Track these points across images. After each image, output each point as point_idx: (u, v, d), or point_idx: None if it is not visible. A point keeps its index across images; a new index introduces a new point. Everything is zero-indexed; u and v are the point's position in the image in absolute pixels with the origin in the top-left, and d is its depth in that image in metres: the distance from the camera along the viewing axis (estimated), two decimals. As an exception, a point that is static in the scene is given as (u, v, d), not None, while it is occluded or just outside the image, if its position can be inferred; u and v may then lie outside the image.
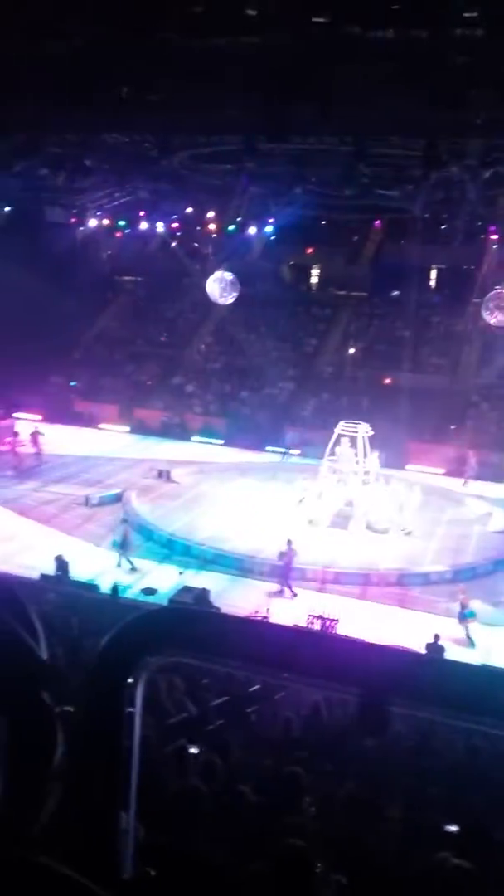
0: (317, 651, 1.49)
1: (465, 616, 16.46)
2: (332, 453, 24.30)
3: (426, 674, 1.59)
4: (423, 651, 14.10)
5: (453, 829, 6.02)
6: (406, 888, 4.79)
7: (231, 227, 33.31)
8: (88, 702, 1.37)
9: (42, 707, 1.18)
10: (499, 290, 27.22)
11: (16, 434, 28.26)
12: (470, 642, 16.06)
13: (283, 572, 18.29)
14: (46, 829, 1.18)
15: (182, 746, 6.04)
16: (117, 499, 24.30)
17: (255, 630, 1.74)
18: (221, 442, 32.87)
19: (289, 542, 18.61)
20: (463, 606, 16.57)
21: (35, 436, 28.50)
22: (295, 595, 18.03)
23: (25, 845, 1.11)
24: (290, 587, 18.18)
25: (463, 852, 5.10)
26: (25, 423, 30.82)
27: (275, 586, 18.55)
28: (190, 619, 1.62)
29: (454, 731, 10.02)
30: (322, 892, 3.89)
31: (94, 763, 1.36)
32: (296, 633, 1.92)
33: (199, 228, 36.00)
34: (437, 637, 14.85)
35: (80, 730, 1.33)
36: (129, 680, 1.41)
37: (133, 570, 18.82)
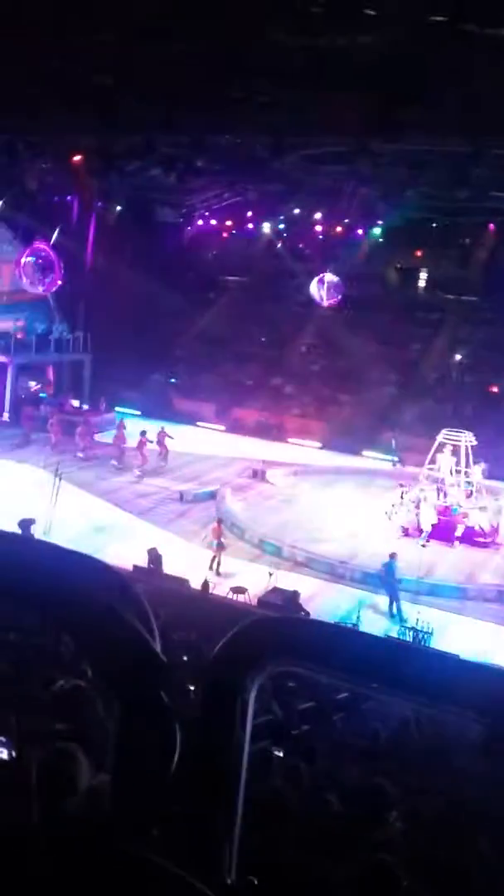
0: (442, 672, 1.40)
1: None
2: (433, 461, 23.77)
3: (482, 682, 1.48)
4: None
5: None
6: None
7: (338, 229, 33.10)
8: (205, 709, 1.33)
9: (161, 706, 1.15)
10: None
11: (143, 434, 27.54)
12: None
13: (390, 588, 17.85)
14: (160, 828, 1.14)
15: (266, 748, 5.97)
16: (212, 496, 24.52)
17: (373, 644, 1.66)
18: (318, 445, 32.70)
19: (392, 555, 18.15)
20: None
21: (162, 436, 28.10)
22: (400, 612, 17.52)
23: (139, 842, 1.07)
24: (396, 602, 17.72)
25: None
26: (150, 424, 29.84)
27: (366, 593, 18.28)
28: (304, 628, 1.56)
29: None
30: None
31: (209, 769, 1.31)
32: (416, 651, 1.83)
33: (306, 230, 35.92)
34: (534, 658, 14.27)
35: (197, 735, 1.29)
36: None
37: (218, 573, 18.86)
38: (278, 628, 1.57)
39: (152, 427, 28.55)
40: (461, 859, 5.28)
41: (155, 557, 17.48)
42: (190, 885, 1.08)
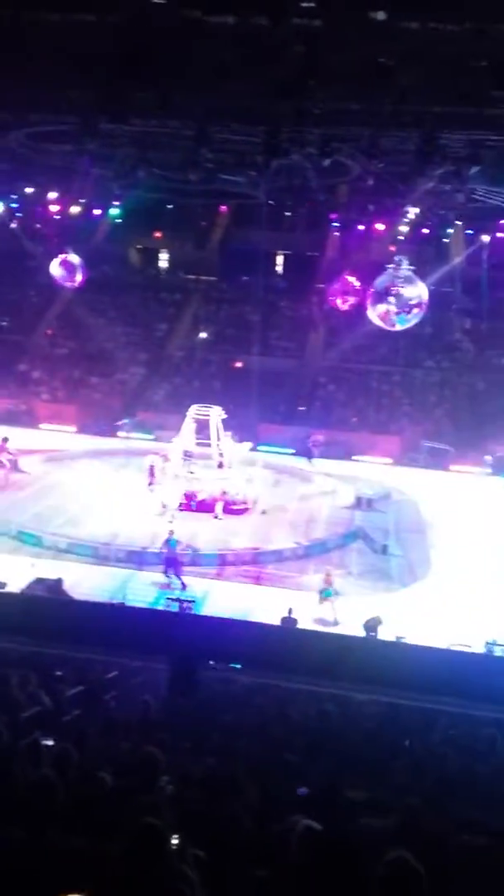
0: (127, 625, 1.58)
1: (324, 595, 17.03)
2: (186, 436, 24.45)
3: (245, 638, 1.72)
4: (277, 624, 14.59)
5: (304, 791, 6.32)
6: (261, 855, 4.97)
7: (75, 209, 32.42)
8: None
9: None
10: (346, 276, 28.29)
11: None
12: (334, 620, 16.61)
13: (170, 564, 18.08)
14: None
15: (35, 740, 5.97)
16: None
17: (57, 608, 1.80)
18: (73, 429, 32.19)
19: (171, 532, 18.41)
20: (326, 585, 17.14)
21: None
22: (185, 586, 17.74)
23: None
24: (179, 577, 17.97)
25: (313, 814, 5.36)
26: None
27: (131, 572, 18.50)
28: (9, 602, 1.65)
29: (309, 699, 10.50)
30: (179, 867, 3.99)
31: None
32: (106, 608, 2.01)
33: (41, 209, 34.75)
34: (290, 611, 15.36)
35: None
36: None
37: None
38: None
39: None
40: (231, 811, 5.61)
41: None
42: None
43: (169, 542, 18.19)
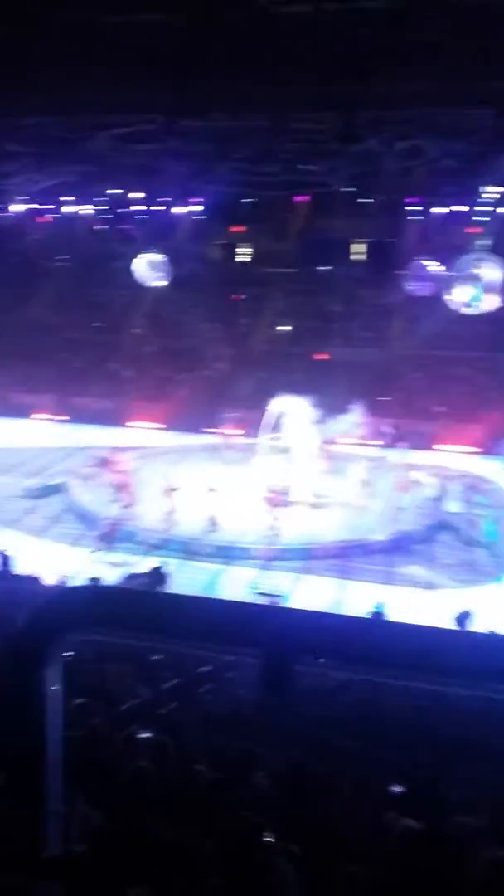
0: (218, 617, 1.62)
1: None
2: (270, 431, 24.52)
3: (337, 630, 1.73)
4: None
5: (399, 789, 6.29)
6: (357, 852, 4.97)
7: (157, 208, 32.95)
8: (7, 679, 1.44)
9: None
10: (425, 261, 27.73)
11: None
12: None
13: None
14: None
15: (133, 732, 6.15)
16: (58, 489, 24.05)
17: (162, 603, 1.85)
18: (161, 426, 32.75)
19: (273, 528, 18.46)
20: None
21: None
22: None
23: None
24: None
25: (411, 812, 5.33)
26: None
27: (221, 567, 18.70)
28: (104, 595, 1.72)
29: (402, 693, 10.39)
30: (276, 862, 4.05)
31: (14, 743, 1.43)
32: (202, 602, 2.06)
33: (126, 210, 35.47)
34: (379, 605, 15.20)
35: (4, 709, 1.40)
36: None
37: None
38: (80, 598, 1.74)
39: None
40: (324, 807, 5.63)
41: (4, 559, 16.99)
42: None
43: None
